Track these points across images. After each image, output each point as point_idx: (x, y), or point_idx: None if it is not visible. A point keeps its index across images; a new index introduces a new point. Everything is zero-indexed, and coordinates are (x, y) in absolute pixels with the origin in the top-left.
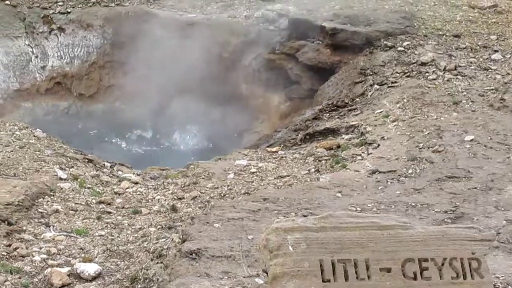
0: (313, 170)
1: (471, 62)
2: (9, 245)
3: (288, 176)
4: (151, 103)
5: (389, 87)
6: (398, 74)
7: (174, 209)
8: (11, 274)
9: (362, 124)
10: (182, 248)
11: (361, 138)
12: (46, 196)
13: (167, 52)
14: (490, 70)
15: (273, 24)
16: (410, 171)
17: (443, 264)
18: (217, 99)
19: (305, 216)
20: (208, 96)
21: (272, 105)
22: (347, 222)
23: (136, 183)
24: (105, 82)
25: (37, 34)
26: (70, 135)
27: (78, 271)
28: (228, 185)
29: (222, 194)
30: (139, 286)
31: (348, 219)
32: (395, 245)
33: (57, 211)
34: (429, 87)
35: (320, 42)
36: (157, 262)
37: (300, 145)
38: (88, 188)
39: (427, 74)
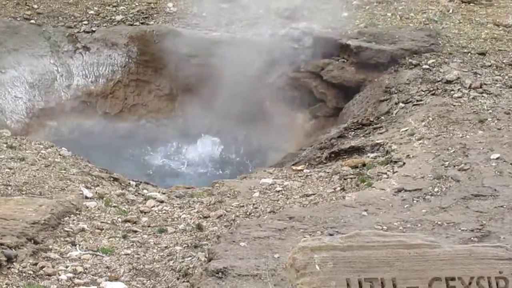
0: (338, 188)
1: (496, 80)
2: (35, 264)
3: (314, 194)
4: (175, 121)
5: (414, 105)
6: (423, 92)
7: (200, 227)
8: None
9: (387, 143)
10: (208, 267)
11: (387, 156)
12: (72, 215)
13: (191, 70)
14: None
15: (297, 43)
16: (436, 189)
17: (470, 283)
18: (242, 117)
19: (331, 234)
20: (233, 114)
21: (297, 124)
22: (373, 241)
23: (162, 201)
24: (130, 100)
25: (62, 53)
26: (95, 153)
27: None
28: (254, 204)
29: (248, 213)
30: None
31: (374, 238)
32: (422, 264)
33: (83, 229)
34: (454, 105)
35: (345, 60)
36: (183, 281)
37: (325, 163)
38: (114, 206)
39: (452, 92)
